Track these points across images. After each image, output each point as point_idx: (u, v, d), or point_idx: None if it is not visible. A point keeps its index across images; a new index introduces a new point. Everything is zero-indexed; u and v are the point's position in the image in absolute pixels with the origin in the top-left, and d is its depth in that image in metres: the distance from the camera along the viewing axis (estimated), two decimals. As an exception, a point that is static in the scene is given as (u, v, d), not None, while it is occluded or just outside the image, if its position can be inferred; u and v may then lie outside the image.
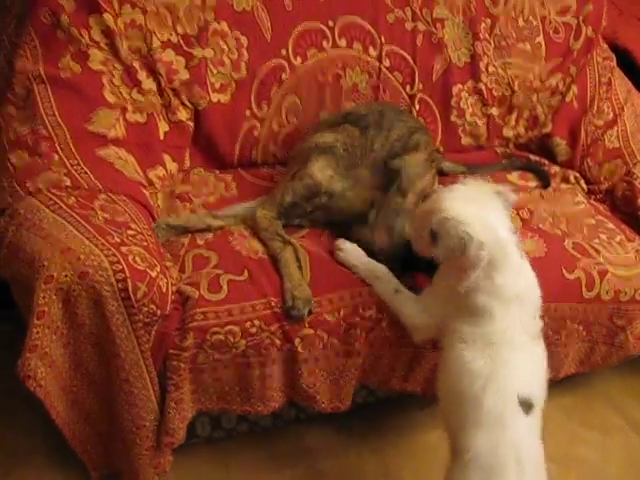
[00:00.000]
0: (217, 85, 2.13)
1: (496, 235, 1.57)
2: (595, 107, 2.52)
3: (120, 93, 1.96)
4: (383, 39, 2.33)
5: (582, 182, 2.46)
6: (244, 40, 2.14)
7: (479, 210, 1.59)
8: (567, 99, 2.54)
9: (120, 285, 1.53)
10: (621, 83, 2.58)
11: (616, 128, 2.48)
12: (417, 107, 2.41)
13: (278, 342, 1.72)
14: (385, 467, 2.06)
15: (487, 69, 2.48)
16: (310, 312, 1.72)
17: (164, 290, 1.61)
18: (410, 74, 2.39)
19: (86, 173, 1.77)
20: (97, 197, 1.72)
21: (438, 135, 2.46)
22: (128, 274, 1.53)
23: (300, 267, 1.80)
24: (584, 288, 2.02)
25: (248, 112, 2.20)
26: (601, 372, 2.37)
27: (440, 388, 1.65)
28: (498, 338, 1.57)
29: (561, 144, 2.53)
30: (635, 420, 2.36)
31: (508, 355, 1.56)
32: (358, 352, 1.80)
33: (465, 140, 2.52)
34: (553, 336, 2.02)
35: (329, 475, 2.01)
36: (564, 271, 2.01)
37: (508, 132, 2.55)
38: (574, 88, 2.54)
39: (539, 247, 2.04)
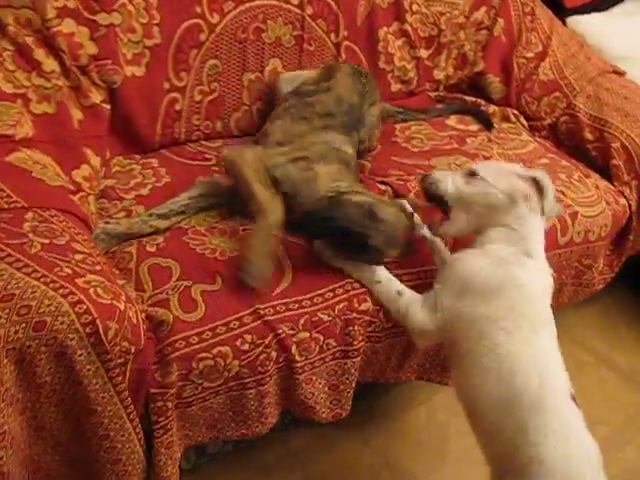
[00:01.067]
0: (129, 56, 1.79)
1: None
2: (523, 39, 2.42)
3: (17, 79, 1.59)
4: (304, -17, 2.06)
5: (522, 119, 2.36)
6: (153, -1, 1.80)
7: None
8: (495, 33, 2.41)
9: (88, 329, 1.23)
10: (542, 12, 2.48)
11: (548, 60, 2.39)
12: (344, 56, 2.18)
13: (274, 354, 1.49)
14: (383, 456, 1.92)
15: (411, 8, 2.28)
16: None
17: (135, 321, 1.33)
18: (334, 21, 2.15)
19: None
20: (24, 218, 1.37)
21: None
22: (95, 314, 1.23)
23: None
24: (559, 234, 1.93)
25: (167, 84, 1.89)
26: (561, 312, 2.33)
27: (475, 396, 1.43)
28: (541, 320, 1.42)
29: (494, 81, 2.41)
30: (603, 354, 2.37)
31: (550, 344, 1.43)
32: (357, 351, 1.59)
33: (395, 87, 2.34)
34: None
35: (329, 475, 1.84)
36: (539, 221, 1.90)
37: (439, 74, 2.39)
38: (500, 21, 2.41)
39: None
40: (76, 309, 1.22)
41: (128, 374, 1.33)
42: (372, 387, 1.99)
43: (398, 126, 2.21)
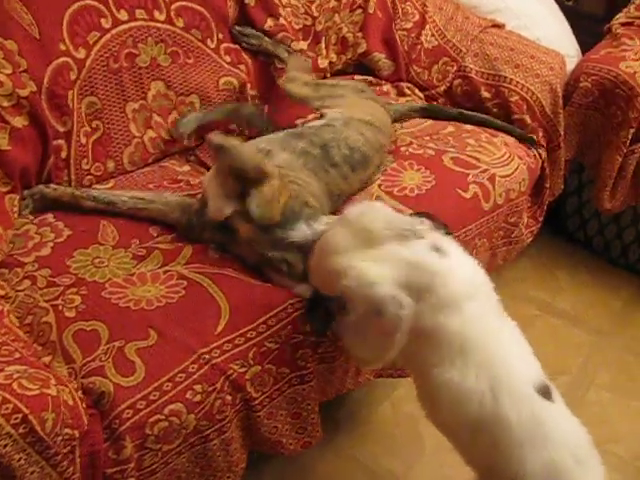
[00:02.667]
0: (8, 108, 1.63)
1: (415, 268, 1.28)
2: (399, 10, 2.37)
3: None
4: (170, -4, 1.95)
5: (417, 91, 2.32)
6: (11, 45, 1.64)
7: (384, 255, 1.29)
8: (370, 10, 2.34)
9: (22, 429, 1.10)
10: (410, -21, 2.44)
11: (428, 27, 2.35)
12: (227, 59, 2.07)
13: (229, 398, 1.39)
14: (359, 462, 1.87)
15: (281, 2, 2.19)
16: None
17: (72, 403, 1.21)
18: (207, 27, 2.03)
19: None
20: None
21: (254, 87, 2.14)
22: (26, 410, 1.11)
23: None
24: (482, 201, 1.91)
25: (51, 131, 1.73)
26: (496, 272, 2.33)
27: (443, 423, 1.36)
28: (471, 336, 1.28)
29: (381, 59, 2.35)
30: (546, 303, 2.39)
31: (494, 349, 1.30)
32: (311, 374, 1.51)
33: (282, 82, 2.21)
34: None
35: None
36: (460, 192, 1.88)
37: (323, 62, 2.31)
38: (372, -3, 2.35)
39: (426, 177, 1.88)
40: (2, 411, 1.08)
41: (79, 461, 1.21)
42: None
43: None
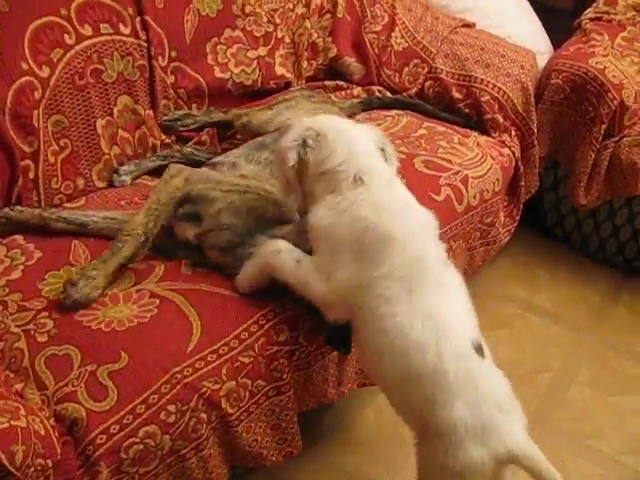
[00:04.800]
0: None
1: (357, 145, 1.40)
2: (368, 14, 2.38)
3: None
4: (131, 10, 1.93)
5: (388, 94, 2.32)
6: (-31, 68, 1.62)
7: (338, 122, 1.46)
8: (338, 15, 2.35)
9: (-9, 465, 1.08)
10: (379, -18, 2.44)
11: (397, 29, 2.36)
12: (172, 79, 2.04)
13: (204, 416, 1.38)
14: (343, 470, 1.86)
15: (244, 11, 2.18)
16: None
17: (43, 433, 1.19)
18: (160, 43, 2.00)
19: None
20: None
21: (205, 101, 2.13)
22: (-6, 445, 1.09)
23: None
24: (455, 203, 1.91)
25: (17, 152, 1.71)
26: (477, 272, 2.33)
27: (382, 375, 1.40)
28: (417, 275, 1.32)
29: (351, 63, 2.36)
30: (526, 301, 2.40)
31: (438, 295, 1.34)
32: (288, 384, 1.51)
33: (237, 92, 2.20)
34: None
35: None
36: (432, 195, 1.88)
37: (280, 70, 2.25)
38: (341, 1, 2.35)
39: (398, 179, 1.87)
40: (-31, 449, 1.07)
41: (53, 489, 1.20)
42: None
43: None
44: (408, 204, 1.43)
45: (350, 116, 2.11)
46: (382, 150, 1.46)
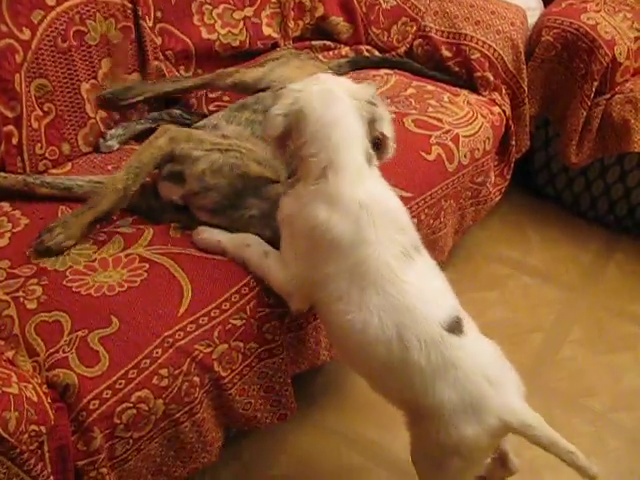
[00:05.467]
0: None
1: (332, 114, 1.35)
2: (356, -28, 2.32)
3: None
4: (113, -32, 1.88)
5: (377, 53, 2.28)
6: (-52, 31, 1.58)
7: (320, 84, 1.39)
8: (325, -27, 2.29)
9: (-18, 432, 1.08)
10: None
11: (385, -15, 2.30)
12: (160, 41, 1.99)
13: (197, 379, 1.37)
14: (340, 434, 1.86)
15: (230, -30, 2.13)
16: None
17: (36, 399, 1.19)
18: (145, 3, 1.95)
19: None
20: None
21: (192, 63, 2.09)
22: (-16, 410, 1.08)
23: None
24: (446, 162, 1.89)
25: (-1, 117, 1.68)
26: (467, 233, 2.32)
27: (354, 365, 1.43)
28: (368, 274, 1.30)
29: (339, 22, 2.31)
30: (517, 262, 2.40)
31: (396, 289, 1.30)
32: (280, 346, 1.50)
33: (225, 54, 2.14)
34: (435, 223, 1.90)
35: (293, 475, 1.76)
36: (423, 154, 1.86)
37: (267, 30, 2.20)
38: (327, -41, 2.29)
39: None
40: (-41, 414, 1.06)
41: (48, 456, 1.19)
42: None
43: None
44: (372, 200, 1.34)
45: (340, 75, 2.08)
46: (373, 121, 1.39)
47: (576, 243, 2.50)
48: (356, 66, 2.21)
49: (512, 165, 2.27)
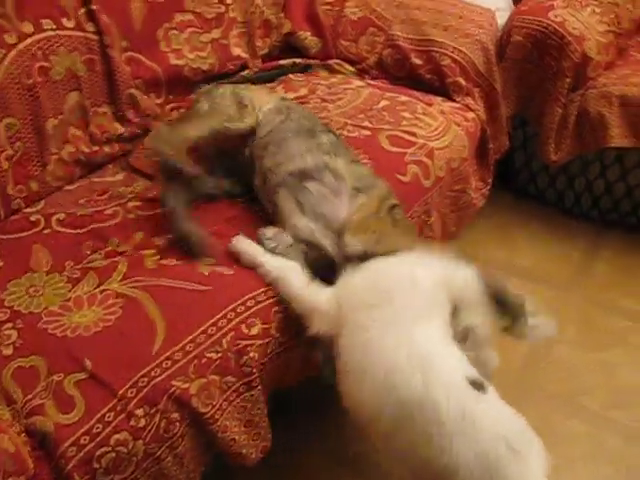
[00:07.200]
0: None
1: None
2: (320, -15, 2.31)
3: None
4: (74, 2, 1.87)
5: (347, 66, 2.27)
6: None
7: None
8: (289, -13, 2.28)
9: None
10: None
11: (350, -3, 2.29)
12: (128, 69, 1.98)
13: (176, 415, 1.35)
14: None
15: (190, -7, 2.12)
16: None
17: (13, 450, 1.17)
18: (110, 33, 1.94)
19: None
20: None
21: (163, 90, 2.08)
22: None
23: None
24: (422, 179, 1.87)
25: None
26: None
27: (365, 406, 1.31)
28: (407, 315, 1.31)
29: (307, 37, 2.30)
30: (505, 263, 2.41)
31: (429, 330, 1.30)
32: (259, 378, 1.47)
33: (196, 78, 2.14)
34: (420, 236, 1.88)
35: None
36: (399, 177, 1.83)
37: (235, 50, 2.21)
38: (288, -27, 2.28)
39: (364, 161, 1.81)
40: None
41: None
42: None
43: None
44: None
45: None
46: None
47: (563, 241, 2.48)
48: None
49: (492, 169, 2.25)
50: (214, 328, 1.43)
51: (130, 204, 1.76)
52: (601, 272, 2.38)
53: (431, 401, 1.21)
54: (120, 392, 1.31)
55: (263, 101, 1.78)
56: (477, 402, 1.23)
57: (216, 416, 1.41)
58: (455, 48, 2.15)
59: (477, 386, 1.25)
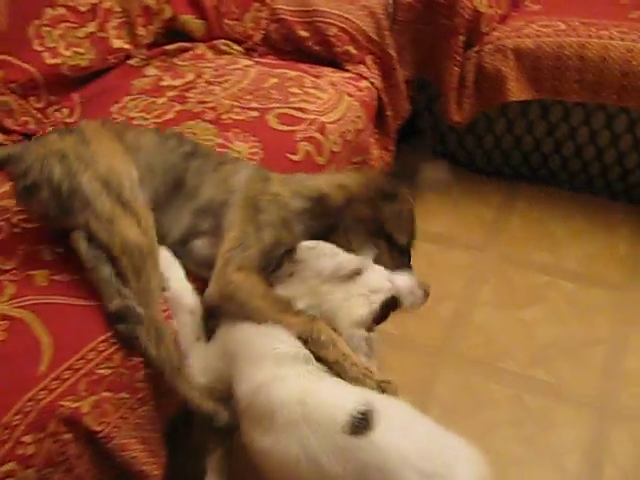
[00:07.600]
0: None
1: None
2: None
3: None
4: None
5: (235, 46, 2.18)
6: None
7: None
8: (167, -28, 2.17)
9: None
10: None
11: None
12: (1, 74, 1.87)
13: (68, 436, 1.28)
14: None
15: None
16: None
17: None
18: None
19: None
20: None
21: (44, 92, 1.97)
22: None
23: None
24: (316, 157, 1.81)
25: None
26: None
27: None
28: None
29: (189, 20, 2.20)
30: (419, 230, 2.32)
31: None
32: (151, 395, 1.41)
33: (75, 76, 2.03)
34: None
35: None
36: (289, 156, 1.77)
37: (116, 43, 2.10)
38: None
39: (254, 146, 1.75)
40: None
41: None
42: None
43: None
44: None
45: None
46: None
47: (477, 200, 2.47)
48: None
49: (394, 135, 2.21)
50: (105, 344, 1.36)
51: (16, 218, 1.66)
52: (515, 228, 2.37)
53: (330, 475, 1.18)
54: (4, 420, 1.24)
55: None
56: (370, 449, 1.16)
57: (112, 434, 1.34)
58: (340, 16, 2.09)
59: (359, 428, 1.18)
